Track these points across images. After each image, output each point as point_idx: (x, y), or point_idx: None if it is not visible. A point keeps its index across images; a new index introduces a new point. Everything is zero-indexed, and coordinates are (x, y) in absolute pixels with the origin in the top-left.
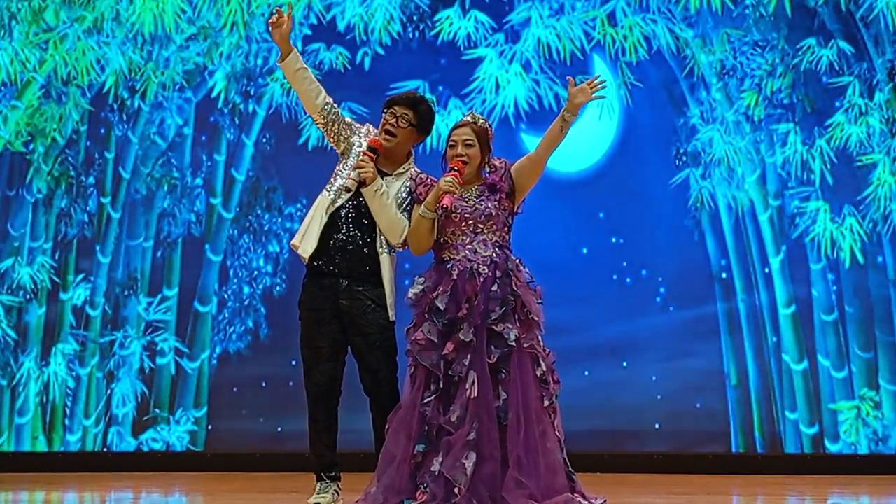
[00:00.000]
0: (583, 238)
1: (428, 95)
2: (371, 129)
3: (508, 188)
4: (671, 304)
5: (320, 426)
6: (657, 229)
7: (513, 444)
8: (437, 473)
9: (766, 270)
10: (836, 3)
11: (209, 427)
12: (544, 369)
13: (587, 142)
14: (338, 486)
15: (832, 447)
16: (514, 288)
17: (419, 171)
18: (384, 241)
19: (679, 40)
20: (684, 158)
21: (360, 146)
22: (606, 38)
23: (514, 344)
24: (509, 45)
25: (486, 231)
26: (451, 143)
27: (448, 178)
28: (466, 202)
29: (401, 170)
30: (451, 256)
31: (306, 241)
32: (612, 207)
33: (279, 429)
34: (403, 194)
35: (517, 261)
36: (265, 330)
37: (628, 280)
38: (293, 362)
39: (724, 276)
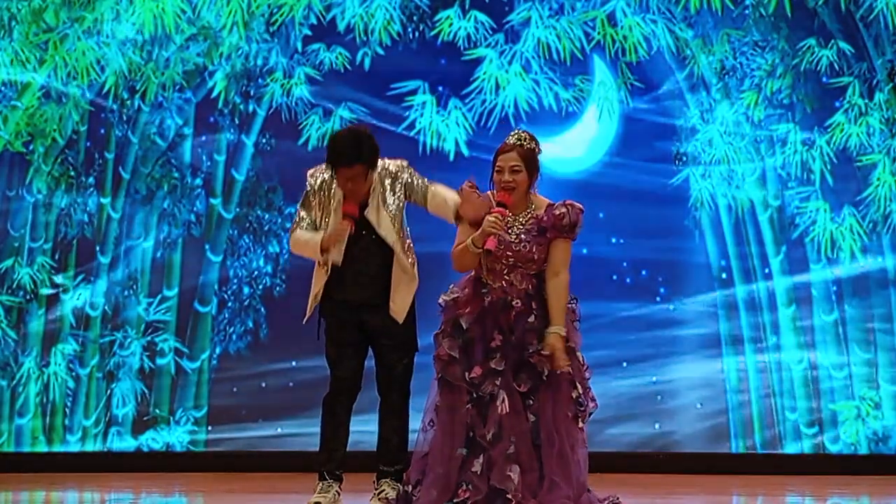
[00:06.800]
0: (583, 238)
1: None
2: (317, 176)
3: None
4: (671, 305)
5: (338, 420)
6: (657, 229)
7: (546, 456)
8: (479, 473)
9: (766, 270)
10: (836, 3)
11: (209, 427)
12: (580, 391)
13: (587, 142)
14: (339, 486)
15: (832, 447)
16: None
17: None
18: (401, 264)
19: (679, 40)
20: (684, 158)
21: (325, 195)
22: (606, 38)
23: (545, 379)
24: (509, 45)
25: (524, 265)
26: (497, 168)
27: (491, 219)
28: (510, 234)
29: (371, 193)
30: (488, 281)
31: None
32: (612, 207)
33: (279, 429)
34: (397, 202)
35: None
36: (265, 330)
37: (628, 280)
38: (293, 363)
39: (723, 276)
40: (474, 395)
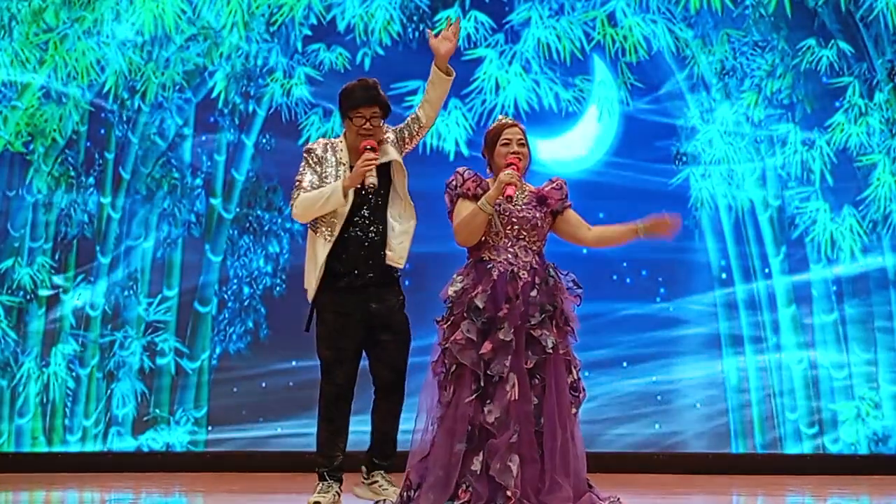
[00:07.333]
0: None
1: None
2: (319, 143)
3: (554, 211)
4: (671, 305)
5: (336, 426)
6: None
7: (549, 449)
8: (478, 472)
9: (766, 270)
10: (836, 4)
11: (209, 427)
12: (575, 377)
13: (587, 142)
14: (339, 487)
15: (832, 447)
16: (555, 295)
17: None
18: (399, 188)
19: (679, 40)
20: (684, 158)
21: (332, 162)
22: (606, 39)
23: (550, 351)
24: (509, 45)
25: (527, 238)
26: (504, 141)
27: (509, 171)
28: (514, 206)
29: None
30: (492, 257)
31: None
32: (613, 207)
33: (279, 429)
34: (395, 137)
35: (554, 267)
36: (265, 330)
37: (628, 280)
38: (293, 362)
39: (723, 276)
40: (481, 382)
